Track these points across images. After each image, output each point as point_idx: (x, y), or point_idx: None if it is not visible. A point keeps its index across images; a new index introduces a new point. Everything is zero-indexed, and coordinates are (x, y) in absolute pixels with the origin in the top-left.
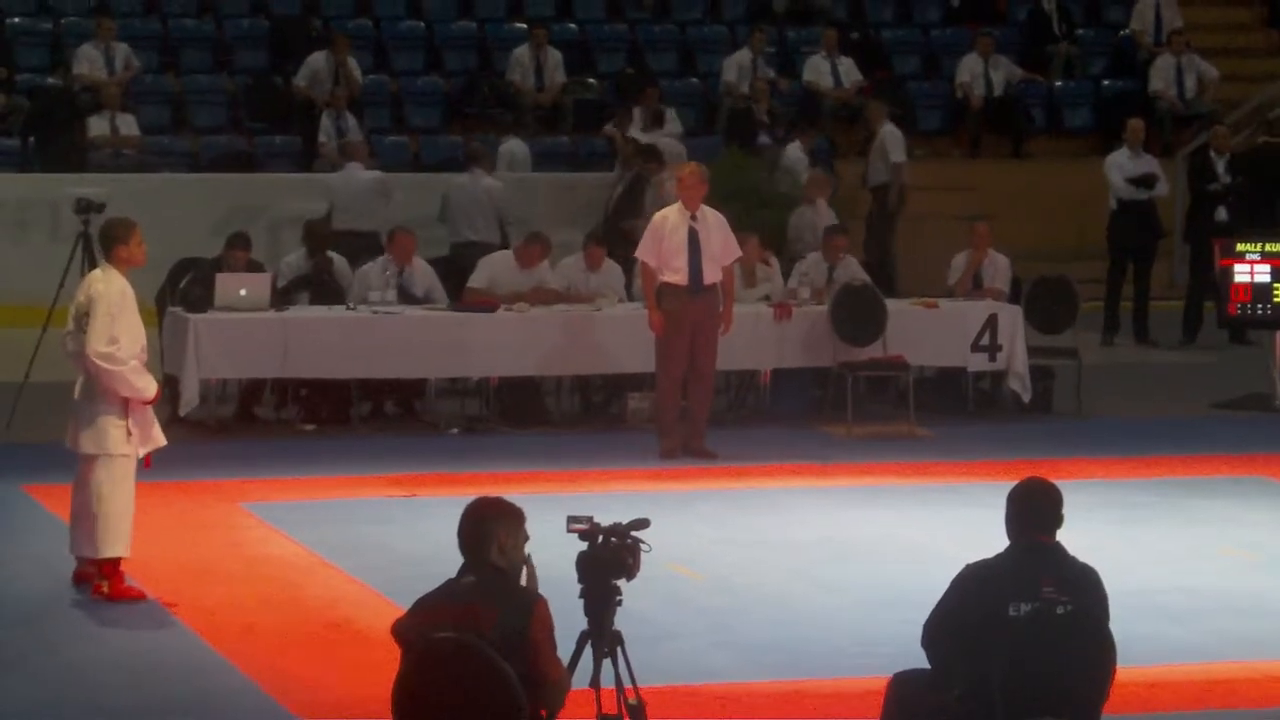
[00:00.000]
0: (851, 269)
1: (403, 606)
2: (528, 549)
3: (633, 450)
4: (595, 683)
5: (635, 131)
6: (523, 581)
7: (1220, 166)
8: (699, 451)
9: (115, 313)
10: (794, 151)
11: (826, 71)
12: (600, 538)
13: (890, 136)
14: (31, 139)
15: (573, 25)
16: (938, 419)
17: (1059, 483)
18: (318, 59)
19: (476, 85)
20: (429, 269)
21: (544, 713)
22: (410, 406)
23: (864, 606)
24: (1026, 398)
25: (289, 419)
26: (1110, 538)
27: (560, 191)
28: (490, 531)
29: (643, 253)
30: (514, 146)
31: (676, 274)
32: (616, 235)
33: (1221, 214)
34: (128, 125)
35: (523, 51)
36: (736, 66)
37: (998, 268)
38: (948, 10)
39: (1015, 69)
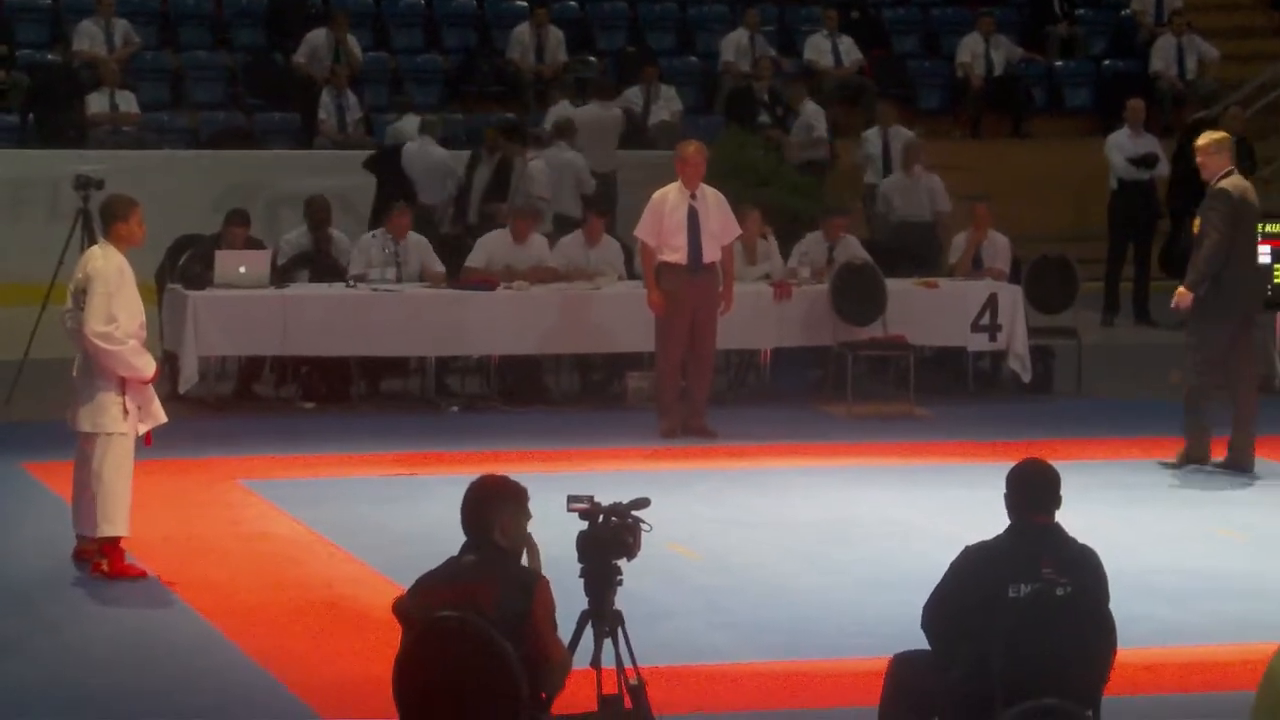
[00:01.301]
0: (851, 248)
1: (403, 585)
2: (529, 528)
3: (633, 429)
4: (596, 662)
5: (566, 109)
6: (524, 561)
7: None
8: (699, 431)
9: (113, 290)
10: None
11: (827, 50)
12: (600, 517)
13: (816, 115)
14: (31, 115)
15: (573, 3)
16: (937, 399)
17: (1057, 463)
18: (317, 35)
19: (476, 63)
20: (424, 241)
21: (544, 695)
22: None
23: (863, 587)
24: (1026, 378)
25: (288, 396)
26: (1108, 519)
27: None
28: (494, 511)
29: (642, 232)
30: (408, 124)
31: (676, 253)
32: (482, 218)
33: None
34: (127, 102)
35: (523, 29)
36: (734, 45)
37: (998, 248)
38: None
39: (1016, 48)
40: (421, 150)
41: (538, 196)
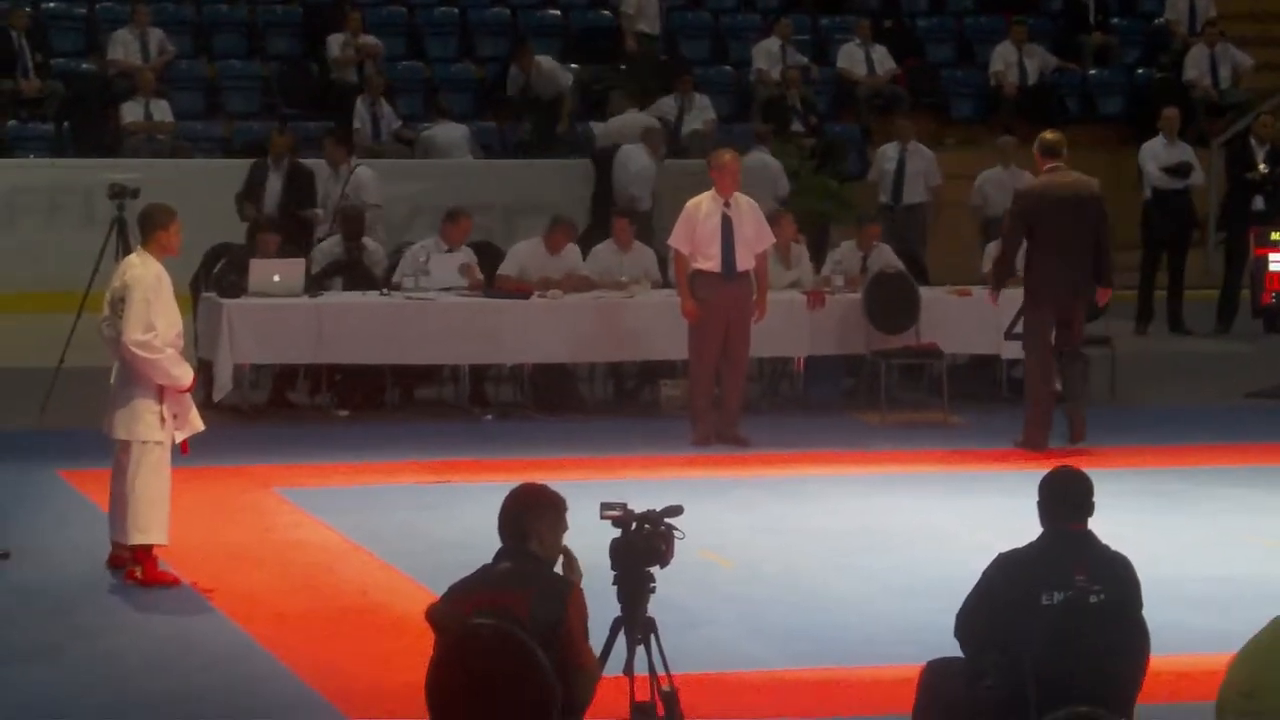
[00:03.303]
0: (885, 257)
1: (437, 592)
2: (565, 538)
3: (666, 437)
4: (629, 670)
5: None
6: (558, 569)
7: (1260, 155)
8: (732, 438)
9: (151, 298)
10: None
11: (860, 59)
12: (633, 524)
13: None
14: (66, 124)
15: (606, 12)
16: (971, 406)
17: (1091, 471)
18: (336, 38)
19: (509, 72)
20: (471, 254)
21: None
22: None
23: (897, 594)
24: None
25: (323, 404)
26: (1141, 526)
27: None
28: (533, 520)
29: (676, 240)
30: (441, 132)
31: (710, 261)
32: (295, 223)
33: (1259, 203)
34: (162, 111)
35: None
36: (766, 54)
37: None
38: None
39: (1049, 57)
40: (635, 155)
41: (371, 205)
